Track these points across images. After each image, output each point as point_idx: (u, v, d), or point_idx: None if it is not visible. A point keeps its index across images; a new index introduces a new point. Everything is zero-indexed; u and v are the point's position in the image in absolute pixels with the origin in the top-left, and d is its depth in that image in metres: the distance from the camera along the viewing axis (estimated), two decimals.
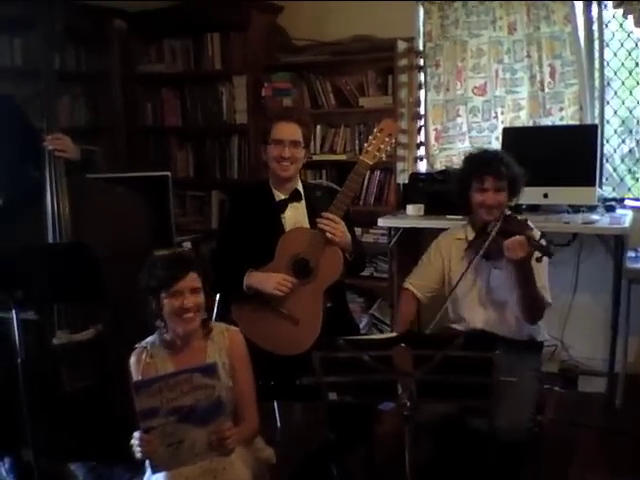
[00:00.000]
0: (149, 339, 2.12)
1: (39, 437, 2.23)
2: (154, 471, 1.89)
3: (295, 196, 2.61)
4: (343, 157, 4.11)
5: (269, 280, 2.43)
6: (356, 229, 2.94)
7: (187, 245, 4.06)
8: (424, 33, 3.99)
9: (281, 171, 2.54)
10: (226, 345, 2.11)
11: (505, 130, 3.72)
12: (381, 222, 3.77)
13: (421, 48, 4.01)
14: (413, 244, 3.98)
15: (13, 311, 2.13)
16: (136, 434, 1.83)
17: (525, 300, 2.35)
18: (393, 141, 2.54)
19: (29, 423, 2.16)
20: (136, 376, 2.04)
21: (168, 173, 3.95)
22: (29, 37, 3.71)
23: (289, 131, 2.52)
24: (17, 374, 2.16)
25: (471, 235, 2.52)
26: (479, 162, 2.50)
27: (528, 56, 3.75)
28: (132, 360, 2.08)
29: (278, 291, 2.42)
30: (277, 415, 3.12)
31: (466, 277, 2.46)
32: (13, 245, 2.30)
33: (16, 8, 3.32)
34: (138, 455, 1.84)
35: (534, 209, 3.55)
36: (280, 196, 2.60)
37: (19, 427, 2.24)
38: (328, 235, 2.41)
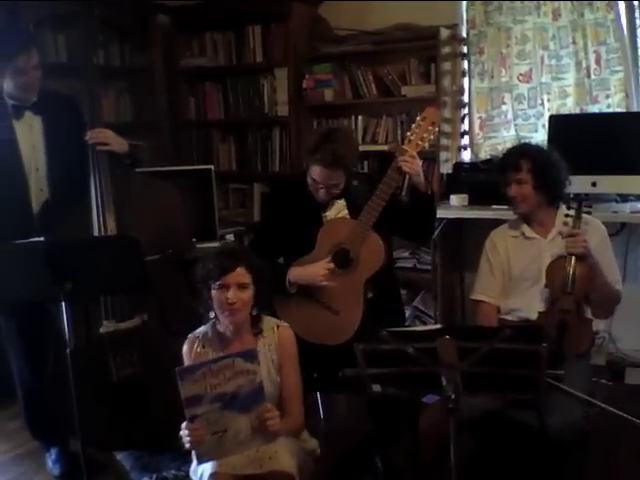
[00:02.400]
0: (202, 329, 2.15)
1: (86, 427, 2.26)
2: (200, 461, 1.91)
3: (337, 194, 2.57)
4: (385, 147, 4.07)
5: (313, 275, 2.41)
6: None
7: (230, 238, 4.09)
8: (467, 20, 3.94)
9: (321, 199, 2.51)
10: (275, 341, 2.13)
11: (552, 117, 3.65)
12: None
13: (464, 35, 3.96)
14: (457, 235, 3.95)
15: (62, 303, 2.17)
16: (184, 425, 1.85)
17: (595, 293, 2.37)
18: (436, 130, 2.50)
19: (78, 413, 2.19)
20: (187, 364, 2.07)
21: (211, 167, 3.99)
22: (73, 33, 3.75)
23: (328, 176, 2.41)
24: (66, 365, 2.20)
25: (528, 231, 2.52)
26: (503, 156, 2.58)
27: (573, 42, 3.69)
28: (184, 349, 2.12)
29: (323, 279, 2.40)
30: (320, 407, 3.13)
31: (529, 268, 2.47)
32: (61, 238, 2.34)
33: (59, 5, 3.38)
34: (187, 446, 1.86)
35: None
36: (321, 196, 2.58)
37: (67, 418, 2.28)
38: (406, 170, 2.38)
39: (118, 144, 2.64)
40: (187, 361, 2.10)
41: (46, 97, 2.64)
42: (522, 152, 2.51)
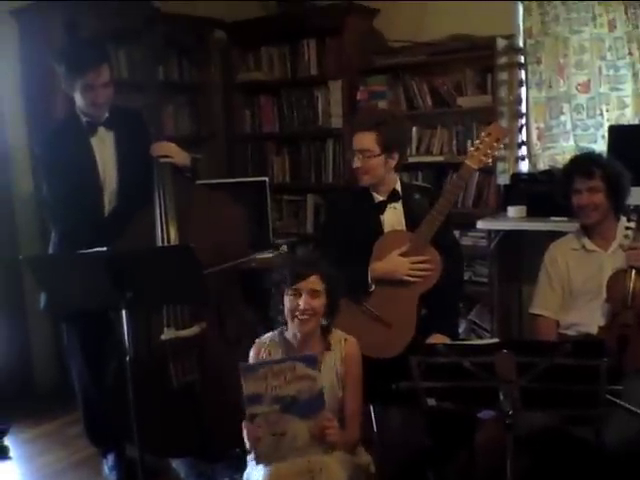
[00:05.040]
0: (269, 335, 2.17)
1: (144, 433, 2.30)
2: (257, 462, 1.92)
3: (393, 196, 2.59)
4: (440, 159, 4.05)
5: (397, 268, 2.43)
6: (454, 232, 2.90)
7: (284, 248, 4.12)
8: (524, 30, 3.89)
9: (359, 181, 2.55)
10: (342, 354, 2.12)
11: (611, 128, 3.57)
12: (480, 224, 3.68)
13: (521, 45, 3.90)
14: (514, 247, 3.88)
15: (123, 312, 2.22)
16: (244, 423, 1.87)
17: None
18: (501, 146, 2.47)
19: (136, 420, 2.23)
20: None
21: (266, 179, 4.03)
22: (134, 49, 3.84)
23: (358, 141, 2.51)
24: (125, 372, 2.25)
25: (588, 244, 2.47)
26: (571, 164, 2.53)
27: (629, 54, 3.64)
28: (251, 353, 2.14)
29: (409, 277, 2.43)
30: (373, 419, 3.10)
31: (589, 282, 2.43)
32: (122, 248, 2.40)
33: (120, 21, 3.47)
34: (247, 445, 1.89)
35: None
36: (379, 197, 2.59)
37: (125, 424, 2.33)
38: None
39: (181, 157, 2.70)
40: None
41: (117, 113, 2.72)
42: (593, 159, 2.47)
